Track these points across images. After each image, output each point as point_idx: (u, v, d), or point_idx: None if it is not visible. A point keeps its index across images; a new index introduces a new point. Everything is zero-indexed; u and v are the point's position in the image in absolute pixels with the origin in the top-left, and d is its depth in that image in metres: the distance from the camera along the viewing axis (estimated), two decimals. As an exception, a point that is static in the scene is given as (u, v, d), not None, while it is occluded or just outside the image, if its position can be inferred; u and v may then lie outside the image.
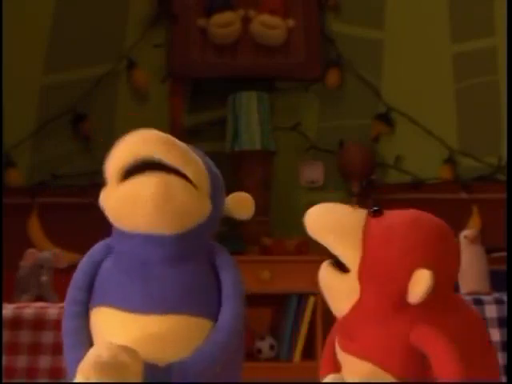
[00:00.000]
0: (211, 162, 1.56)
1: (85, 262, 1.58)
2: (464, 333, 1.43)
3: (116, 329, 1.47)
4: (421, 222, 1.47)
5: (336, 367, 1.52)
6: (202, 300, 1.48)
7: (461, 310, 1.47)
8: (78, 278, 1.57)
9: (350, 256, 1.43)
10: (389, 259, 1.41)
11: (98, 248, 1.60)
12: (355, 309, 1.43)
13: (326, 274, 1.47)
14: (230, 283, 1.50)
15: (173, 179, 1.45)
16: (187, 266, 1.48)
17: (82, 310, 1.53)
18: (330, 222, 1.46)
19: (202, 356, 1.44)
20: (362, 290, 1.42)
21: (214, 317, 1.47)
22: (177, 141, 1.48)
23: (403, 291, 1.40)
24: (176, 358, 1.42)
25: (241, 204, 1.57)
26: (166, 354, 1.44)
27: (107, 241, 1.59)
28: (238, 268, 1.53)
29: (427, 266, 1.39)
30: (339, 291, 1.45)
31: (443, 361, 1.34)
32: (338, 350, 1.49)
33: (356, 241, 1.43)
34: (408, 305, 1.40)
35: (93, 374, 1.35)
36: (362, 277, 1.42)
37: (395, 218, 1.47)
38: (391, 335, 1.41)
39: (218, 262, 1.51)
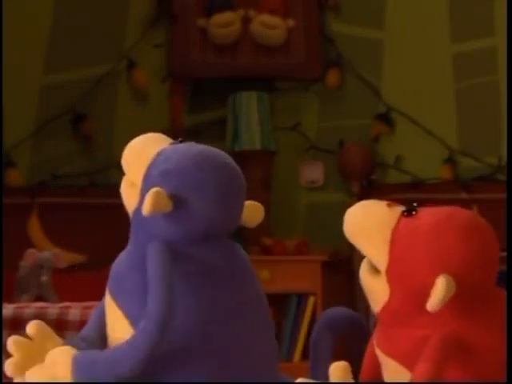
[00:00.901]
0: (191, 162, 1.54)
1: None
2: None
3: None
4: (449, 222, 1.46)
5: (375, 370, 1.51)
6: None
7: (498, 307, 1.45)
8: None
9: (378, 257, 1.43)
10: (413, 261, 1.40)
11: None
12: (384, 310, 1.43)
13: (362, 274, 1.47)
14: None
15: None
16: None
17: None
18: (360, 223, 1.46)
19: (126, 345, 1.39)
20: (391, 291, 1.42)
21: None
22: (133, 143, 1.52)
23: (427, 295, 1.38)
24: None
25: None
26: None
27: None
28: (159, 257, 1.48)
29: (452, 270, 1.37)
30: (373, 292, 1.45)
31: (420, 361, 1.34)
32: (378, 352, 1.49)
33: (383, 242, 1.43)
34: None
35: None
36: (390, 278, 1.41)
37: (426, 217, 1.46)
38: (415, 338, 1.40)
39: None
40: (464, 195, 4.00)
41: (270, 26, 4.11)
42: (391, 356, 1.43)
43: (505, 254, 2.38)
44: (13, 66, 4.03)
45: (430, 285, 1.37)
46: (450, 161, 4.11)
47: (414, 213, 1.46)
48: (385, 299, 1.42)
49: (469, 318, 1.40)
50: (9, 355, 1.47)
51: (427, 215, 1.47)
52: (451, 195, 3.99)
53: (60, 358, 1.39)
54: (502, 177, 4.01)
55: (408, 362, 1.38)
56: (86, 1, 4.18)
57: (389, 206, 1.47)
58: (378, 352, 1.47)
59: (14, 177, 4.00)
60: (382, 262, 1.43)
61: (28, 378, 1.42)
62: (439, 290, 1.35)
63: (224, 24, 4.09)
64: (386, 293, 1.42)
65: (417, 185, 4.04)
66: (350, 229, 1.47)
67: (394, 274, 1.42)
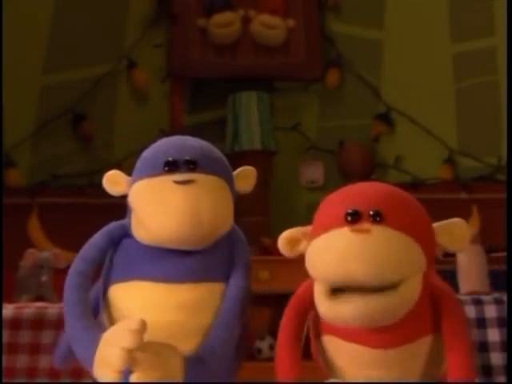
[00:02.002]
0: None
1: (101, 239, 1.60)
2: None
3: (149, 299, 1.52)
4: (401, 192, 1.55)
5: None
6: (223, 269, 1.57)
7: None
8: (90, 252, 1.59)
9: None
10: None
11: (115, 228, 1.61)
12: None
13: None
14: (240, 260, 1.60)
15: None
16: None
17: (87, 284, 1.56)
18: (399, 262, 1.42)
19: (221, 327, 1.51)
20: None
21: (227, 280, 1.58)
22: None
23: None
24: (206, 322, 1.51)
25: (245, 178, 1.64)
26: (197, 318, 1.52)
27: (124, 222, 1.60)
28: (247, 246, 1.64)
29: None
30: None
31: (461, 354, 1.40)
32: (336, 341, 1.49)
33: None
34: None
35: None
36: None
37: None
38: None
39: (233, 237, 1.61)
40: (464, 195, 4.00)
41: (269, 26, 4.11)
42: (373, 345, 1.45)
43: (505, 253, 2.38)
44: (13, 66, 4.03)
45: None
46: (450, 161, 4.11)
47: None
48: None
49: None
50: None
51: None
52: (451, 195, 3.99)
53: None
54: (502, 177, 4.01)
55: None
56: (86, 1, 4.18)
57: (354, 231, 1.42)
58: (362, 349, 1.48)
59: (14, 177, 4.00)
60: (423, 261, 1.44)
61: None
62: (466, 229, 1.50)
63: (224, 24, 4.09)
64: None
65: (417, 185, 4.04)
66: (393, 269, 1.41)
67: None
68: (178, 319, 1.51)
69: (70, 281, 1.56)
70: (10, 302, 2.33)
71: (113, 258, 1.59)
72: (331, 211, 1.46)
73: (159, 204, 1.49)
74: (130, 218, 1.58)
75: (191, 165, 1.54)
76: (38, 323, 2.15)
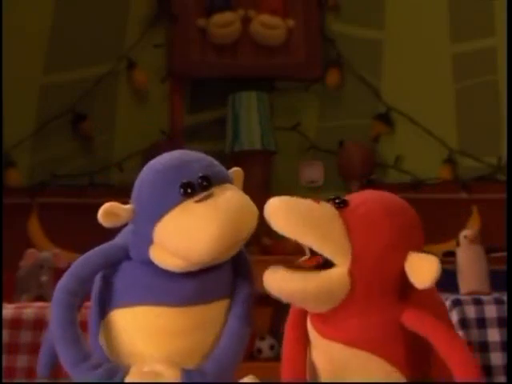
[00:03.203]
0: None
1: (96, 258, 1.54)
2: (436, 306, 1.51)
3: (163, 324, 1.50)
4: (393, 206, 1.49)
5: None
6: (229, 283, 1.58)
7: None
8: (83, 270, 1.53)
9: (341, 253, 1.42)
10: (377, 248, 1.42)
11: (112, 249, 1.56)
12: (346, 301, 1.43)
13: (290, 276, 1.46)
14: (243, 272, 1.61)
15: None
16: None
17: (76, 305, 1.51)
18: (307, 220, 1.44)
19: (226, 349, 1.52)
20: (354, 283, 1.42)
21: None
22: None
23: (394, 277, 1.42)
24: (217, 339, 1.53)
25: (236, 179, 1.63)
26: (209, 338, 1.52)
27: (122, 244, 1.56)
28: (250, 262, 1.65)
29: (415, 248, 1.43)
30: (329, 288, 1.43)
31: (457, 355, 1.38)
32: (315, 336, 1.49)
33: (342, 236, 1.43)
34: (396, 290, 1.43)
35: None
36: (354, 270, 1.41)
37: (363, 205, 1.47)
38: (384, 321, 1.43)
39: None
40: (464, 195, 4.01)
41: (269, 26, 4.11)
42: (338, 340, 1.46)
43: (505, 253, 2.38)
44: (13, 66, 4.03)
45: (397, 267, 1.41)
46: (450, 161, 4.11)
47: (347, 204, 1.47)
48: (345, 292, 1.42)
49: (419, 295, 1.45)
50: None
51: (361, 202, 1.48)
52: (451, 195, 3.99)
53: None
54: (502, 177, 4.01)
55: (365, 344, 1.43)
56: (86, 1, 4.18)
57: (316, 201, 1.47)
58: (316, 336, 1.49)
59: (14, 177, 4.00)
60: (344, 257, 1.42)
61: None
62: (433, 268, 1.39)
63: (224, 24, 4.09)
64: (347, 285, 1.42)
65: (416, 185, 4.04)
66: (291, 223, 1.44)
67: (359, 265, 1.42)
68: (194, 340, 1.51)
69: (60, 299, 1.50)
70: (10, 301, 2.33)
71: (112, 282, 1.54)
72: None
73: (192, 229, 1.45)
74: (136, 239, 1.53)
75: (205, 181, 1.50)
76: (38, 323, 2.15)
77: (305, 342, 1.54)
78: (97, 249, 1.56)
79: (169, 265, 1.49)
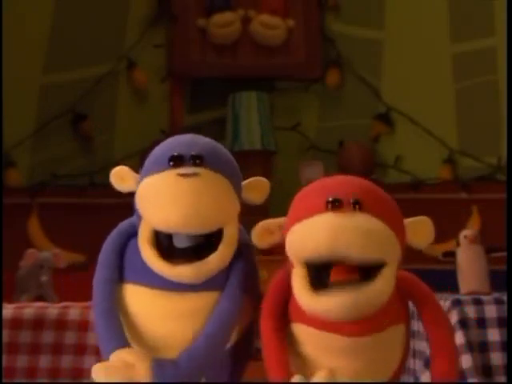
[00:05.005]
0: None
1: (113, 243, 1.61)
2: None
3: (146, 306, 1.53)
4: (375, 185, 1.54)
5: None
6: (222, 277, 1.58)
7: None
8: (108, 257, 1.59)
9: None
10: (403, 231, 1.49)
11: (124, 227, 1.62)
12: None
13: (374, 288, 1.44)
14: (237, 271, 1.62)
15: None
16: None
17: (113, 289, 1.56)
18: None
19: (204, 340, 1.53)
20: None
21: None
22: None
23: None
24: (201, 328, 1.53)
25: (256, 188, 1.63)
26: (196, 327, 1.53)
27: (132, 220, 1.60)
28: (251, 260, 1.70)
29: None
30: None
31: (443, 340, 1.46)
32: (310, 332, 1.49)
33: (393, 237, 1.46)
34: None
35: (102, 375, 1.44)
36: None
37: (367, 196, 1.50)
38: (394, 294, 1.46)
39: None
40: (464, 195, 4.00)
41: (269, 26, 4.11)
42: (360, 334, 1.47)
43: (505, 253, 2.38)
44: (13, 66, 4.03)
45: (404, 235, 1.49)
46: (450, 161, 4.11)
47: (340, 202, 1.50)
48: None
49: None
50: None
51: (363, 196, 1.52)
52: (451, 195, 3.99)
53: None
54: (502, 177, 4.01)
55: None
56: (86, 1, 4.18)
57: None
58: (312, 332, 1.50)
59: (14, 177, 4.00)
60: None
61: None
62: (429, 226, 1.49)
63: (224, 24, 4.09)
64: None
65: (416, 185, 4.04)
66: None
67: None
68: (177, 329, 1.52)
69: (101, 291, 1.55)
70: (10, 302, 2.33)
71: (124, 258, 1.59)
72: (310, 201, 1.50)
73: (162, 196, 1.48)
74: (138, 216, 1.57)
75: (197, 159, 1.53)
76: (38, 323, 2.15)
77: (284, 333, 1.56)
78: (112, 233, 1.62)
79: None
